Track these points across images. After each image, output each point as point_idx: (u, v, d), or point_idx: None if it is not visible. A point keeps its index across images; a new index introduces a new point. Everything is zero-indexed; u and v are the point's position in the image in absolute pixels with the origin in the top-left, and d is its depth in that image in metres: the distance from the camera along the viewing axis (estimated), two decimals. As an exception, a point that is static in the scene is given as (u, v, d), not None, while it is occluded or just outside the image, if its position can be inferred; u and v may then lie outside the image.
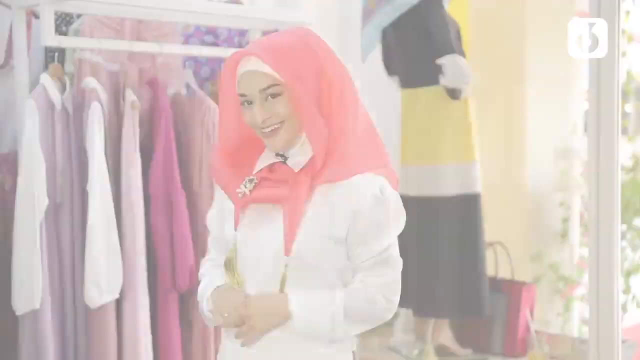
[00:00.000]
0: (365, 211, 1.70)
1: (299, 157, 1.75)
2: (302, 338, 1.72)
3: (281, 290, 1.71)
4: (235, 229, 1.76)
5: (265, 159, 1.79)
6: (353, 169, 1.72)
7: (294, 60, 1.69)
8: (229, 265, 1.76)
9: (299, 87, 1.68)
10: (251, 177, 1.77)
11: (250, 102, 1.72)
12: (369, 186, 1.71)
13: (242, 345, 1.74)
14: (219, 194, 1.86)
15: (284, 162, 1.76)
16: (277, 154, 1.77)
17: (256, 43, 1.76)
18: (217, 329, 3.02)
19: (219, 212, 1.86)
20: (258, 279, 1.73)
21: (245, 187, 1.76)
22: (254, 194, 1.75)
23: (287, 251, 1.68)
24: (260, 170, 1.78)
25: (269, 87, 1.70)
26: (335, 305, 1.69)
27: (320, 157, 1.71)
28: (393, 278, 1.76)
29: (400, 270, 1.78)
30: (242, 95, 1.73)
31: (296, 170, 1.73)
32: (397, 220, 1.76)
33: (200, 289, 1.85)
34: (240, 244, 1.75)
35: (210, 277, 1.84)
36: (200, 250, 2.93)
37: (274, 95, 1.70)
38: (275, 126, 1.72)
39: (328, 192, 1.72)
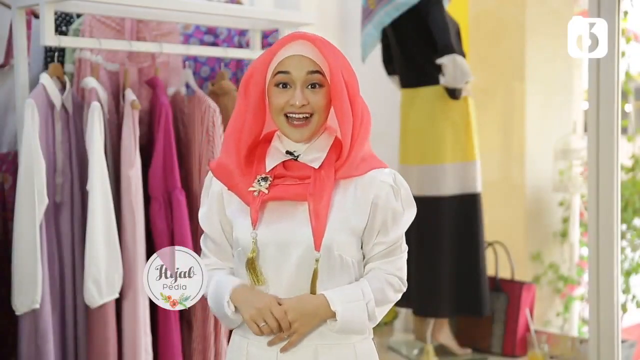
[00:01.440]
0: (383, 201, 1.76)
1: (313, 154, 1.77)
2: (332, 333, 1.74)
3: (312, 286, 1.73)
4: (254, 228, 1.74)
5: (275, 157, 1.79)
6: (370, 164, 1.78)
7: (335, 53, 1.76)
8: (251, 266, 1.74)
9: (339, 78, 1.73)
10: (264, 175, 1.77)
11: (286, 85, 1.74)
12: (385, 177, 1.77)
13: (282, 351, 1.74)
14: (214, 196, 1.83)
15: (296, 160, 1.77)
16: (287, 152, 1.78)
17: (298, 33, 1.78)
18: (217, 329, 3.02)
19: (218, 214, 1.84)
20: (285, 277, 1.73)
21: (261, 185, 1.75)
22: (272, 192, 1.75)
23: (318, 247, 1.71)
24: (273, 168, 1.78)
25: (315, 72, 1.73)
26: (367, 297, 1.75)
27: (346, 151, 1.75)
28: (403, 261, 1.83)
29: (406, 251, 1.85)
30: (285, 72, 1.74)
31: (316, 167, 1.75)
32: (410, 208, 1.81)
33: (211, 291, 1.81)
34: (262, 243, 1.74)
35: (219, 279, 1.81)
36: (200, 250, 2.93)
37: (314, 85, 1.74)
38: (306, 116, 1.74)
39: (348, 186, 1.76)
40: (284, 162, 1.78)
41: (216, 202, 1.83)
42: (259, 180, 1.76)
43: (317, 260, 1.71)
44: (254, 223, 1.74)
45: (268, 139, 1.84)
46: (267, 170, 1.78)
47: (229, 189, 1.80)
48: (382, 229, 1.77)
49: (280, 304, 1.71)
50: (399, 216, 1.78)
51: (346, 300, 1.72)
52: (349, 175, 1.76)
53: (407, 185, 1.82)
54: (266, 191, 1.74)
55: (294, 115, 1.74)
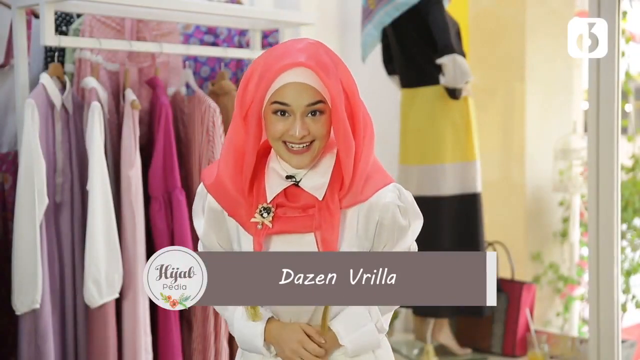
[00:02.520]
0: (389, 222, 1.72)
1: (315, 180, 1.70)
2: None
3: (324, 319, 1.72)
4: None
5: (276, 183, 1.71)
6: (375, 186, 1.72)
7: (335, 77, 1.66)
8: None
9: (340, 104, 1.64)
10: (266, 205, 1.70)
11: (284, 114, 1.65)
12: (390, 197, 1.72)
13: None
14: (212, 213, 1.76)
15: (297, 185, 1.71)
16: (287, 177, 1.71)
17: (298, 54, 1.65)
18: (217, 329, 3.02)
19: (215, 232, 1.78)
20: (295, 311, 1.72)
21: (264, 217, 1.69)
22: (277, 225, 1.69)
23: None
24: (275, 196, 1.70)
25: (316, 102, 1.65)
26: (374, 316, 1.74)
27: (349, 178, 1.68)
28: None
29: None
30: (283, 104, 1.64)
31: (320, 197, 1.69)
32: (416, 220, 1.78)
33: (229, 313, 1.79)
34: None
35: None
36: (200, 250, 2.93)
37: (315, 113, 1.66)
38: (307, 144, 1.67)
39: (353, 212, 1.72)
40: (284, 189, 1.71)
41: (214, 219, 1.77)
42: (260, 211, 1.69)
43: None
44: None
45: (264, 153, 1.76)
46: (268, 200, 1.70)
47: (229, 215, 1.74)
48: (389, 244, 1.74)
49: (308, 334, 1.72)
50: (405, 231, 1.75)
51: (354, 329, 1.72)
52: (354, 203, 1.70)
53: (411, 198, 1.77)
54: (270, 225, 1.68)
55: (293, 146, 1.67)
